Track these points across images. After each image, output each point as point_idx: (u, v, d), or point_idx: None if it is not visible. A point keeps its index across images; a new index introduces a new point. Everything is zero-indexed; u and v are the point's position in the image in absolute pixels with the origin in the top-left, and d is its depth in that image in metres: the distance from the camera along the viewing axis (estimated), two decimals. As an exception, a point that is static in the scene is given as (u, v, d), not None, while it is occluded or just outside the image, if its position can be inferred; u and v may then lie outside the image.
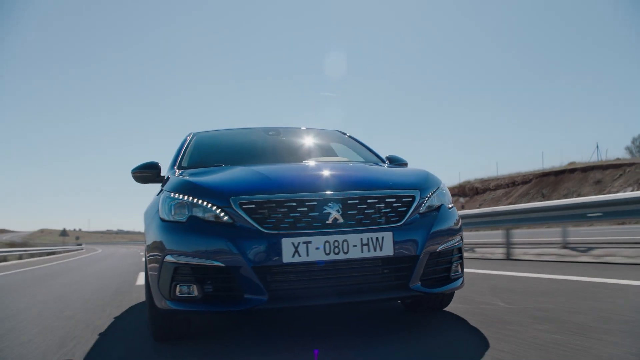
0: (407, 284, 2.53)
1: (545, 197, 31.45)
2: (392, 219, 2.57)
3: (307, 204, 2.49)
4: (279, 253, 2.37)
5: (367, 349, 2.45)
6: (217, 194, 2.56)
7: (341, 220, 2.49)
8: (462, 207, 35.01)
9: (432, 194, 2.83)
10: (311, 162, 3.49)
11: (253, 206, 2.46)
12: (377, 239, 2.48)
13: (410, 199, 2.67)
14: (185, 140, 4.09)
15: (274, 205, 2.47)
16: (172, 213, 2.62)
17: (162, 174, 3.52)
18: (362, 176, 2.87)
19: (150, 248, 2.69)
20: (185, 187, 2.71)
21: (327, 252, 2.40)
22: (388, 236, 2.50)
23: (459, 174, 64.77)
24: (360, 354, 2.38)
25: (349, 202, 2.54)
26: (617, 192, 26.13)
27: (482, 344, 2.43)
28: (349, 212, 2.52)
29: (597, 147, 38.79)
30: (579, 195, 27.74)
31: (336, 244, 2.42)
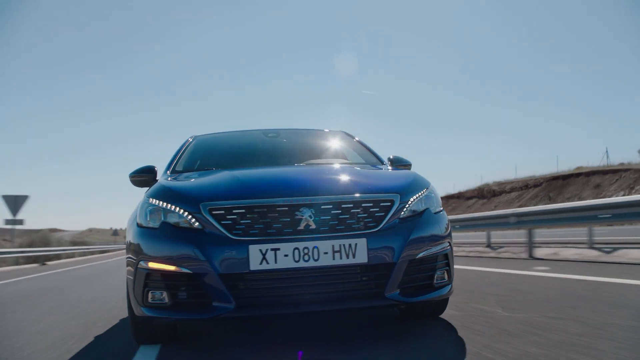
0: (382, 292, 2.43)
1: (551, 200, 32.92)
2: (368, 225, 2.48)
3: (278, 209, 2.43)
4: (246, 260, 2.32)
5: (346, 355, 2.37)
6: (188, 200, 2.53)
7: (314, 227, 2.41)
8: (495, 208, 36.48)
9: (416, 197, 2.71)
10: (302, 165, 3.43)
11: (222, 212, 2.42)
12: (350, 245, 2.39)
13: (389, 204, 2.57)
14: (184, 143, 4.11)
15: (243, 211, 2.42)
16: (148, 219, 2.61)
17: (157, 178, 3.53)
18: (342, 180, 2.76)
19: (128, 253, 2.69)
20: (161, 193, 2.70)
21: (297, 259, 2.34)
22: (362, 243, 2.40)
23: (481, 177, 67.52)
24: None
25: (323, 207, 2.46)
26: (611, 196, 27.30)
27: None
28: (322, 217, 2.44)
29: (607, 151, 39.04)
30: (579, 199, 29.61)
31: (306, 250, 2.35)
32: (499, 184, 42.97)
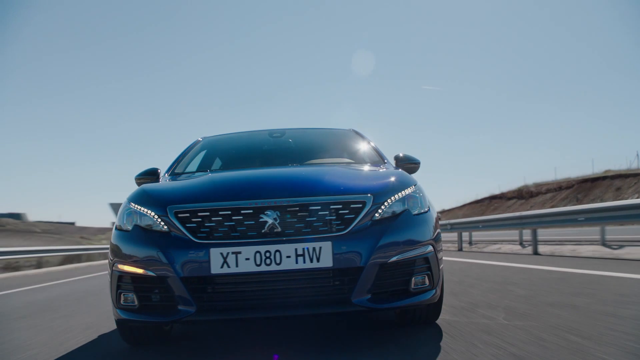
0: (349, 297, 2.33)
1: (578, 202, 34.33)
2: (336, 228, 2.38)
3: (242, 212, 2.39)
4: (208, 264, 2.29)
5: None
6: (158, 203, 2.55)
7: (279, 229, 2.36)
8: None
9: (394, 198, 2.58)
10: (290, 167, 3.36)
11: (188, 215, 2.42)
12: (314, 249, 2.31)
13: (360, 206, 2.46)
14: (191, 144, 4.15)
15: (208, 214, 2.40)
16: (124, 222, 2.64)
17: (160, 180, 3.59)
18: (318, 181, 2.65)
19: (109, 255, 2.75)
20: (138, 196, 2.73)
21: (258, 263, 2.29)
22: (327, 246, 2.32)
23: (523, 178, 68.84)
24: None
25: (289, 209, 2.39)
26: (627, 198, 29.00)
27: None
28: (288, 220, 2.38)
29: (638, 155, 39.45)
30: (600, 201, 30.97)
31: (268, 254, 2.29)
32: (537, 185, 44.70)
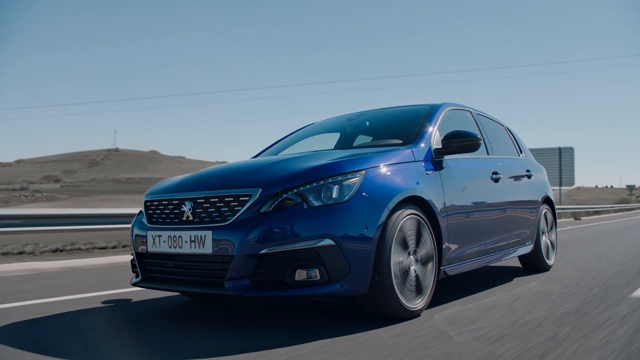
0: (222, 282, 2.57)
1: None
2: (224, 218, 2.65)
3: (174, 202, 2.91)
4: (146, 243, 2.94)
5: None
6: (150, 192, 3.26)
7: (191, 218, 2.78)
8: None
9: (295, 189, 2.62)
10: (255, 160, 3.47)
11: (149, 203, 3.09)
12: (201, 236, 2.65)
13: (247, 198, 2.63)
14: (299, 129, 4.68)
15: (157, 203, 3.02)
16: None
17: None
18: (225, 175, 2.95)
19: None
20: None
21: (170, 245, 2.79)
22: (209, 235, 2.62)
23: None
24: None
25: (198, 201, 2.79)
26: None
27: None
28: (197, 210, 2.78)
29: None
30: None
31: (174, 238, 2.77)
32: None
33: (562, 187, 29.30)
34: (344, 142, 4.11)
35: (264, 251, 2.51)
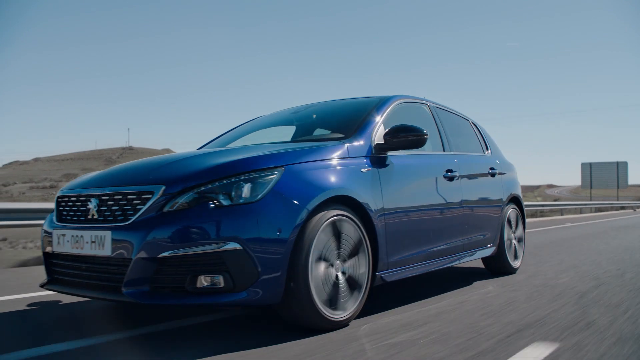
0: (120, 287, 2.34)
1: None
2: (125, 217, 2.43)
3: (81, 199, 2.68)
4: (52, 243, 2.72)
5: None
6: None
7: (96, 216, 2.56)
8: None
9: (197, 187, 2.39)
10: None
11: (60, 200, 2.87)
12: (100, 237, 2.43)
13: (149, 196, 2.40)
14: (246, 122, 4.43)
15: (66, 199, 2.80)
16: None
17: None
18: (131, 171, 2.74)
19: None
20: None
21: (72, 245, 2.57)
22: (108, 235, 2.40)
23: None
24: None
25: (103, 198, 2.56)
26: None
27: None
28: (101, 208, 2.55)
29: None
30: None
31: (77, 238, 2.55)
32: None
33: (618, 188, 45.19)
34: (299, 136, 3.84)
35: (164, 254, 2.28)
